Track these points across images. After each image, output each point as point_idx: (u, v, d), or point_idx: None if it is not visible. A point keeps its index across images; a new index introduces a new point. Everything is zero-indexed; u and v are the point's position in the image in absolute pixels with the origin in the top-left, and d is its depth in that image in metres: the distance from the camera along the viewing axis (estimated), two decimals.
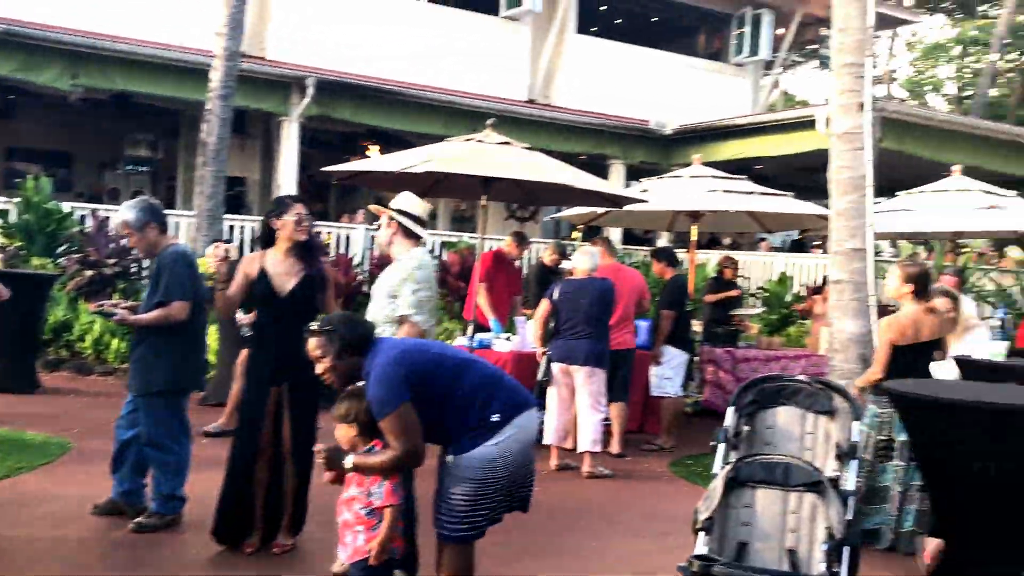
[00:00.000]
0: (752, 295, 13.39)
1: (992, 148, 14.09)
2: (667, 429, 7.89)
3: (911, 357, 5.06)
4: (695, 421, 8.86)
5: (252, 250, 6.56)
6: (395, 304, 4.40)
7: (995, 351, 5.76)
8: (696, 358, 9.16)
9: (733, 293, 10.07)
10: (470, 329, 7.74)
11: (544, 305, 6.83)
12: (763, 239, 17.62)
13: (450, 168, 7.30)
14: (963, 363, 5.52)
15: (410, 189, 5.16)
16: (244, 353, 6.40)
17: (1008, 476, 3.34)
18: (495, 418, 3.31)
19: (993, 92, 30.66)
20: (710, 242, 17.27)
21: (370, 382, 3.24)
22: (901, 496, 5.07)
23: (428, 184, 8.28)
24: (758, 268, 14.40)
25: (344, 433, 3.38)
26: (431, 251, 12.34)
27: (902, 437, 4.98)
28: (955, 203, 9.69)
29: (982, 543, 3.56)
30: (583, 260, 6.87)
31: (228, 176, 11.26)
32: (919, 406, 3.70)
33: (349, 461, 3.28)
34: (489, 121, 8.11)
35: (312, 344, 3.39)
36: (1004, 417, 3.39)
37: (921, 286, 5.17)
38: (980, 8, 29.50)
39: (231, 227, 11.72)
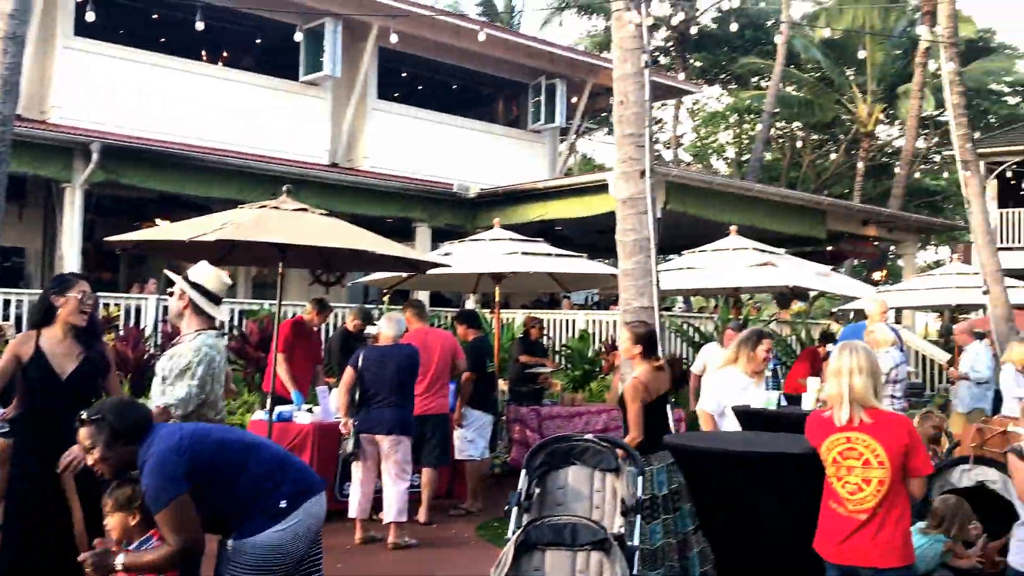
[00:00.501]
0: (556, 352, 13.77)
1: (764, 209, 15.28)
2: (473, 492, 7.92)
3: (656, 412, 5.29)
4: (504, 481, 8.95)
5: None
6: (165, 388, 4.18)
7: (770, 400, 6.18)
8: (503, 418, 9.31)
9: (547, 365, 10.30)
10: (269, 402, 7.51)
11: (348, 373, 6.73)
12: (566, 297, 18.23)
13: (243, 236, 7.11)
14: (741, 413, 5.86)
15: (205, 257, 4.96)
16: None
17: (770, 517, 3.58)
18: (282, 504, 3.21)
19: (767, 156, 33.43)
20: (538, 303, 17.73)
21: (144, 472, 3.07)
22: (680, 545, 5.30)
23: (223, 251, 8.03)
24: (559, 325, 14.85)
25: (119, 522, 3.18)
26: (230, 320, 11.93)
27: (663, 491, 5.21)
28: (733, 261, 10.42)
29: None
30: (388, 327, 6.84)
31: (4, 247, 10.46)
32: (694, 456, 3.93)
33: (120, 561, 3.07)
34: (285, 187, 7.97)
35: (82, 434, 3.18)
36: (755, 463, 3.65)
37: (649, 345, 5.31)
38: (753, 80, 32.21)
39: (6, 301, 10.87)
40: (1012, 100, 33.10)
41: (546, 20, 30.65)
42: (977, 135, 26.22)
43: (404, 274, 9.91)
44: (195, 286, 4.36)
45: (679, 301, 22.89)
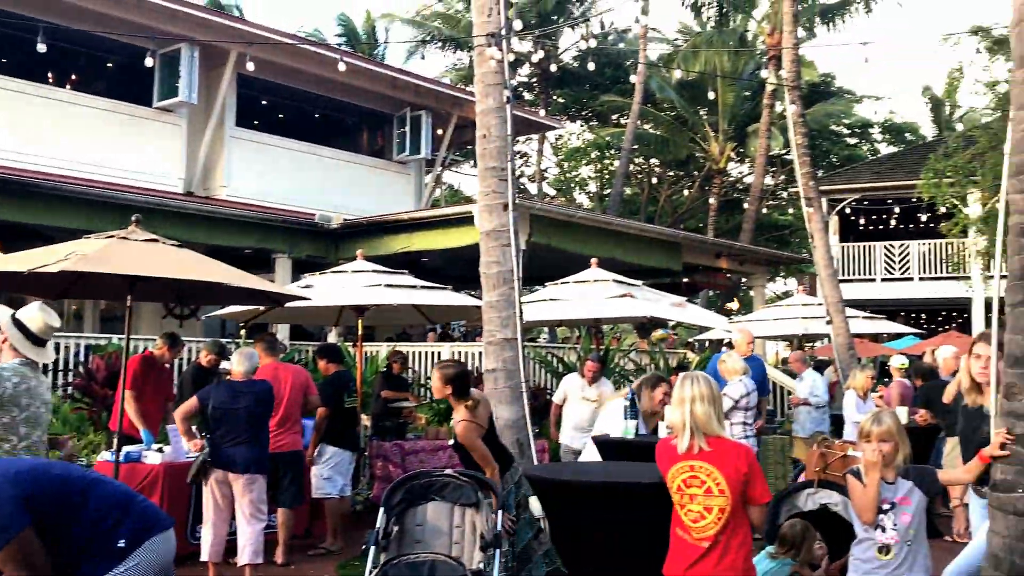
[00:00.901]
0: (421, 385, 13.66)
1: (624, 241, 15.72)
2: (333, 531, 7.72)
3: (493, 439, 5.31)
4: (366, 518, 8.76)
5: None
6: None
7: (627, 429, 6.33)
8: (366, 454, 9.13)
9: (410, 399, 10.18)
10: (116, 441, 7.12)
11: (191, 402, 6.47)
12: (432, 330, 18.16)
13: (88, 267, 6.75)
14: (600, 442, 5.98)
15: (47, 289, 4.68)
16: None
17: (625, 545, 3.64)
18: (122, 543, 3.03)
19: (627, 191, 34.45)
20: (404, 335, 17.54)
21: None
22: (522, 555, 5.31)
23: (68, 284, 7.61)
24: (425, 358, 14.76)
25: None
26: (75, 355, 11.31)
27: (512, 513, 5.20)
28: (594, 292, 10.63)
29: None
30: (239, 362, 6.61)
31: None
32: (553, 488, 3.96)
33: None
34: (134, 216, 7.64)
35: None
36: (610, 494, 3.71)
37: (460, 386, 5.17)
38: (613, 117, 33.23)
39: None
40: (851, 141, 35.37)
41: (411, 52, 30.76)
42: (820, 173, 27.84)
43: (262, 307, 9.64)
44: (18, 324, 4.14)
45: (544, 331, 23.20)
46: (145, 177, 14.68)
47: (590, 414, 8.74)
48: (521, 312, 7.86)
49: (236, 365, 6.60)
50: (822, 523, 4.72)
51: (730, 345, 10.00)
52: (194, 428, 6.54)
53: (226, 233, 14.62)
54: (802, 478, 5.91)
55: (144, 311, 13.83)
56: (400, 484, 3.82)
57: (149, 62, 13.68)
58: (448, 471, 3.95)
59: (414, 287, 9.86)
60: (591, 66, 24.45)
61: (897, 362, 10.08)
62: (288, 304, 8.97)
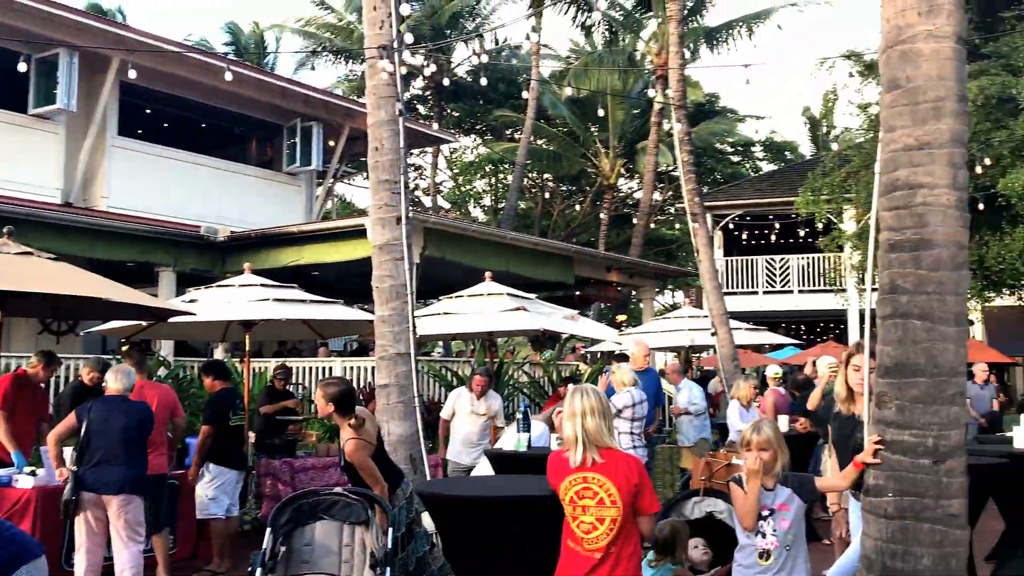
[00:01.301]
0: (311, 401, 13.42)
1: (518, 255, 15.84)
2: (219, 552, 7.49)
3: (382, 456, 5.28)
4: (255, 538, 8.52)
5: None
6: None
7: (520, 442, 6.36)
8: (253, 472, 8.91)
9: (289, 403, 9.98)
10: None
11: (69, 419, 6.17)
12: (323, 344, 17.86)
13: None
14: (493, 456, 5.99)
15: None
16: None
17: (516, 559, 3.66)
18: None
19: (521, 205, 34.75)
20: (295, 350, 17.16)
21: None
22: (417, 568, 5.31)
23: None
24: (316, 373, 14.50)
25: None
26: None
27: (402, 531, 5.18)
28: (487, 306, 10.68)
29: None
30: (115, 379, 6.35)
31: None
32: (444, 503, 3.95)
33: None
34: (6, 228, 7.29)
35: None
36: (500, 508, 3.72)
37: (343, 404, 5.09)
38: (507, 132, 33.50)
39: None
40: (735, 159, 36.63)
41: (301, 63, 30.32)
42: (705, 190, 28.70)
43: (144, 323, 9.31)
44: None
45: (439, 346, 23.13)
46: (19, 187, 13.98)
47: (480, 428, 8.74)
48: (414, 326, 7.81)
49: (112, 382, 6.33)
50: (709, 531, 4.85)
51: (621, 357, 10.18)
52: (68, 452, 6.22)
53: (107, 246, 14.06)
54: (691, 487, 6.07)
55: (18, 327, 13.15)
56: (287, 503, 3.74)
57: (23, 67, 13.08)
58: (337, 489, 3.89)
59: (303, 301, 9.70)
60: (484, 81, 24.60)
61: (771, 372, 10.43)
62: (172, 319, 8.70)
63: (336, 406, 4.97)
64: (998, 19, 15.14)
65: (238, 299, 9.33)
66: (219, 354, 14.63)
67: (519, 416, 6.56)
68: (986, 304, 17.18)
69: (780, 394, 10.14)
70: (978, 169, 13.18)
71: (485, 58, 26.21)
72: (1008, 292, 16.46)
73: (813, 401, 7.76)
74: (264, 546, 3.62)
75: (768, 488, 4.03)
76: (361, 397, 12.26)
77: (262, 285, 9.68)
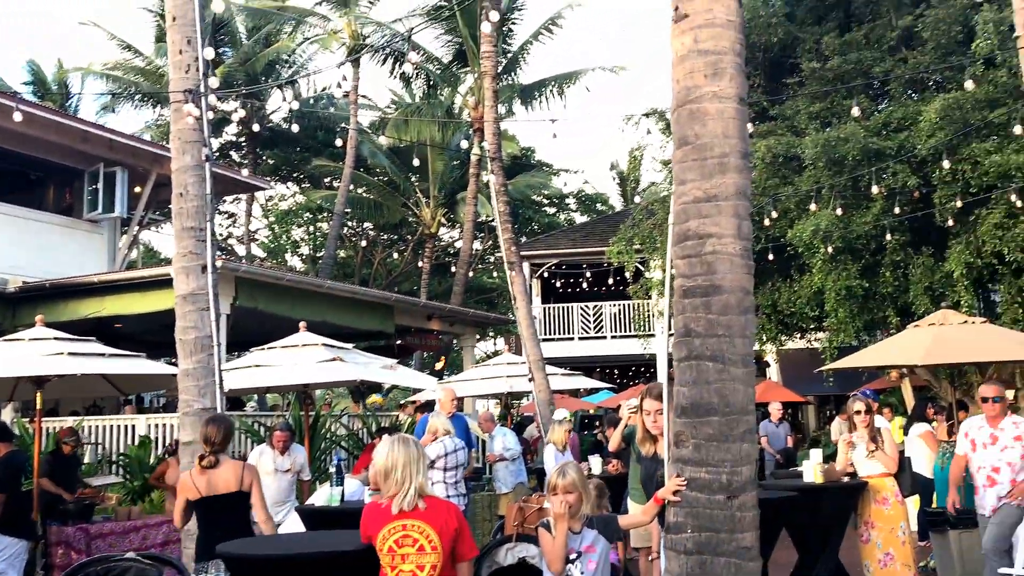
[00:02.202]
0: (112, 462, 12.61)
1: (336, 304, 15.59)
2: None
3: (213, 515, 5.17)
4: None
5: None
6: None
7: (332, 496, 6.20)
8: (42, 541, 8.22)
9: (66, 495, 9.05)
10: None
11: None
12: (129, 402, 16.85)
13: None
14: (304, 513, 5.82)
15: None
16: None
17: None
18: None
19: (341, 254, 34.34)
20: (94, 408, 16.03)
21: None
22: None
23: None
24: (118, 433, 13.64)
25: None
26: None
27: None
28: (302, 357, 10.40)
29: None
30: None
31: None
32: (247, 564, 3.79)
33: None
34: None
35: None
36: (306, 566, 3.63)
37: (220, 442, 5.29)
38: (326, 180, 33.12)
39: None
40: (551, 210, 37.80)
41: (105, 106, 28.90)
42: (523, 239, 29.41)
43: None
44: None
45: (253, 399, 22.30)
46: None
47: (286, 485, 8.46)
48: (221, 380, 7.51)
49: None
50: None
51: (427, 405, 10.21)
52: None
53: None
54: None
55: None
56: (75, 572, 3.48)
57: None
58: (129, 554, 3.65)
59: (102, 355, 9.12)
60: (295, 128, 24.29)
61: (559, 415, 10.80)
62: None
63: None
64: (782, 84, 16.50)
65: (28, 354, 8.65)
66: (6, 415, 13.52)
67: (332, 471, 6.41)
68: (780, 347, 18.40)
69: (572, 436, 10.51)
70: (766, 221, 14.21)
71: (296, 105, 25.88)
72: (799, 335, 17.72)
73: (613, 443, 8.05)
74: None
75: (575, 531, 4.11)
76: (165, 455, 11.62)
77: (55, 339, 9.03)
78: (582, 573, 4.06)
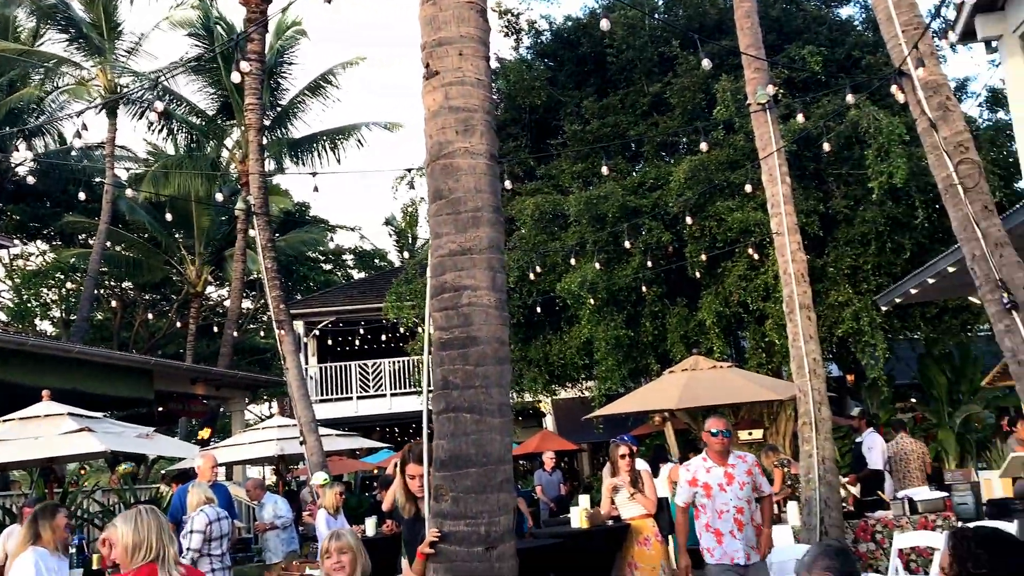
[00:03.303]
0: None
1: (87, 370, 14.44)
2: None
3: None
4: None
5: None
6: None
7: None
8: None
9: None
10: None
11: None
12: None
13: None
14: None
15: None
16: None
17: None
18: None
19: (99, 316, 31.97)
20: None
21: None
22: None
23: None
24: None
25: None
26: None
27: None
28: (45, 429, 9.52)
29: None
30: None
31: None
32: None
33: None
34: None
35: None
36: None
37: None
38: (80, 237, 30.83)
39: None
40: (327, 267, 37.20)
41: None
42: (298, 296, 28.70)
43: None
44: None
45: None
46: None
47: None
48: None
49: None
50: None
51: (182, 475, 9.68)
52: None
53: None
54: None
55: None
56: None
57: None
58: None
59: None
60: (32, 180, 22.59)
61: (319, 479, 10.67)
62: None
63: None
64: (548, 144, 17.25)
65: None
66: None
67: (72, 549, 5.87)
68: (553, 396, 18.96)
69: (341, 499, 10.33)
70: (532, 275, 14.70)
71: (30, 155, 24.14)
72: (571, 385, 18.34)
73: (387, 503, 7.93)
74: None
75: None
76: None
77: None
78: None
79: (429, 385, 4.36)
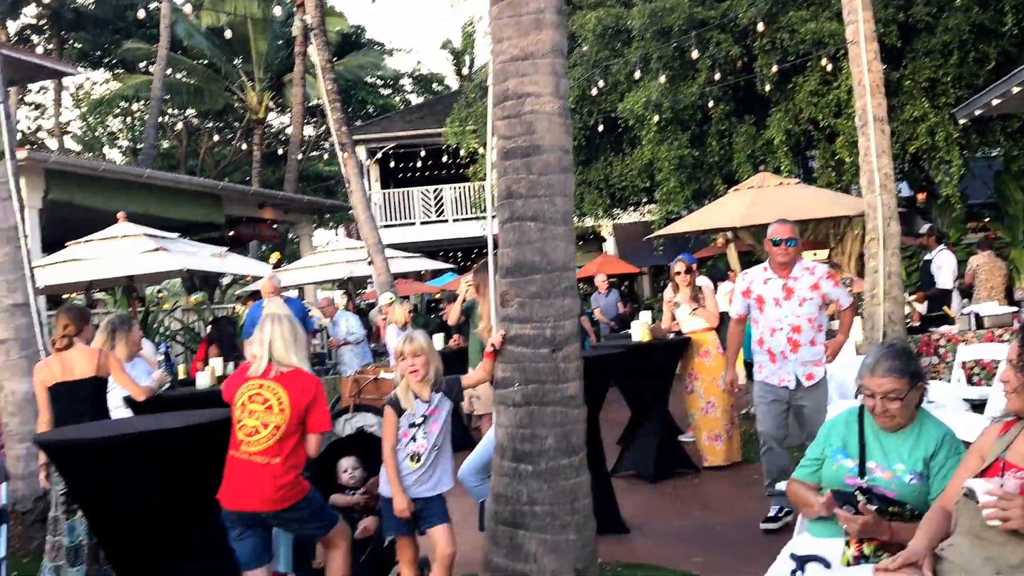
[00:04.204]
0: None
1: (158, 195, 14.81)
2: None
3: (63, 400, 5.28)
4: None
5: None
6: None
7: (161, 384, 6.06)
8: None
9: None
10: None
11: None
12: None
13: None
14: (129, 401, 5.69)
15: None
16: None
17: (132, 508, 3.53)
18: None
19: (165, 144, 32.43)
20: None
21: None
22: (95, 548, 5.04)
23: None
24: None
25: None
26: None
27: None
28: (124, 248, 9.90)
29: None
30: None
31: None
32: (69, 450, 3.66)
33: None
34: None
35: None
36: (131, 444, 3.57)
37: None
38: (141, 65, 30.84)
39: None
40: (385, 92, 36.79)
41: None
42: (359, 123, 28.59)
43: None
44: None
45: (80, 297, 21.14)
46: None
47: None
48: (33, 274, 7.06)
49: None
50: (361, 445, 4.91)
51: (254, 295, 10.01)
52: None
53: None
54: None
55: None
56: None
57: None
58: None
59: None
60: (96, 8, 22.44)
61: (386, 298, 10.77)
62: None
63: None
64: None
65: None
66: None
67: (160, 358, 6.25)
68: (614, 221, 18.94)
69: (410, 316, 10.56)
70: (594, 91, 14.33)
71: None
72: (632, 208, 18.26)
73: (453, 317, 8.14)
74: None
75: (424, 399, 4.14)
76: None
77: None
78: (425, 435, 4.11)
79: (494, 192, 4.36)
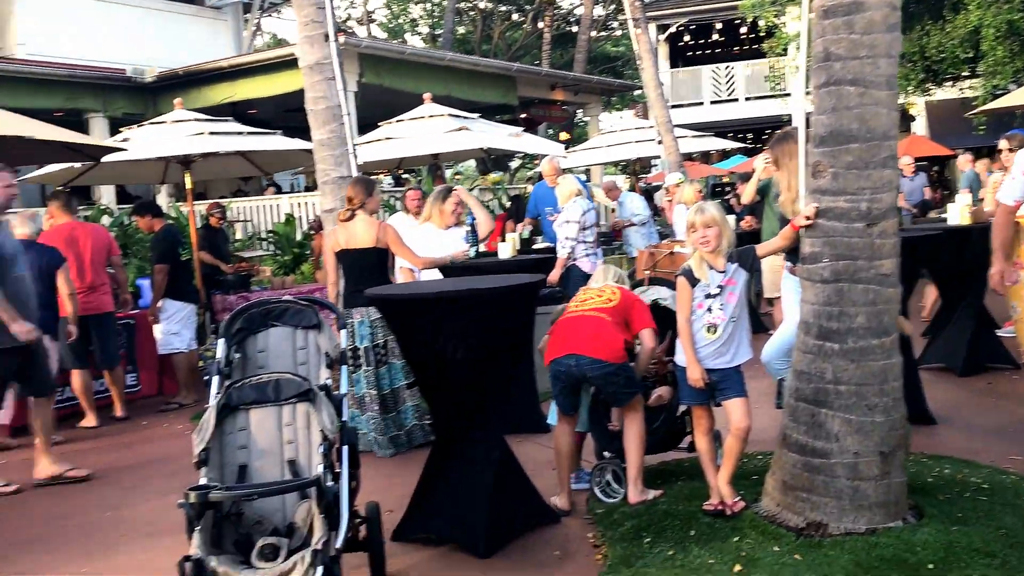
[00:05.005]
0: (261, 239, 13.37)
1: (458, 78, 15.45)
2: (184, 384, 7.63)
3: (354, 266, 5.76)
4: None
5: None
6: None
7: (467, 252, 6.45)
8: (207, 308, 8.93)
9: (225, 267, 9.58)
10: None
11: None
12: (270, 185, 17.59)
13: None
14: (444, 269, 6.13)
15: None
16: None
17: (454, 354, 3.84)
18: None
19: (460, 30, 33.58)
20: (240, 192, 16.91)
21: None
22: (390, 398, 5.59)
23: None
24: (264, 212, 14.36)
25: None
26: None
27: (365, 344, 5.63)
28: (429, 128, 10.48)
29: (457, 414, 4.04)
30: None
31: None
32: (392, 303, 4.04)
33: None
34: None
35: None
36: (438, 305, 3.86)
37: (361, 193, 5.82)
38: None
39: None
40: None
41: None
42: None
43: (79, 164, 9.03)
44: None
45: (387, 180, 22.88)
46: None
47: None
48: (355, 149, 7.67)
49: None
50: (656, 318, 4.97)
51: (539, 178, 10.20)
52: None
53: (29, 94, 13.46)
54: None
55: None
56: (238, 313, 3.74)
57: None
58: (286, 296, 3.91)
59: (240, 134, 9.43)
60: None
61: (674, 179, 10.41)
62: (109, 161, 8.45)
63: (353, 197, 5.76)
64: None
65: (172, 135, 9.04)
66: (162, 199, 14.38)
67: (467, 230, 6.64)
68: (927, 96, 17.27)
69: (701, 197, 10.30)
70: None
71: None
72: (950, 83, 16.53)
73: (747, 196, 7.87)
74: (218, 355, 3.64)
75: (719, 270, 4.10)
76: (312, 231, 12.21)
77: (196, 119, 9.37)
78: (722, 306, 4.08)
79: (808, 54, 4.11)
